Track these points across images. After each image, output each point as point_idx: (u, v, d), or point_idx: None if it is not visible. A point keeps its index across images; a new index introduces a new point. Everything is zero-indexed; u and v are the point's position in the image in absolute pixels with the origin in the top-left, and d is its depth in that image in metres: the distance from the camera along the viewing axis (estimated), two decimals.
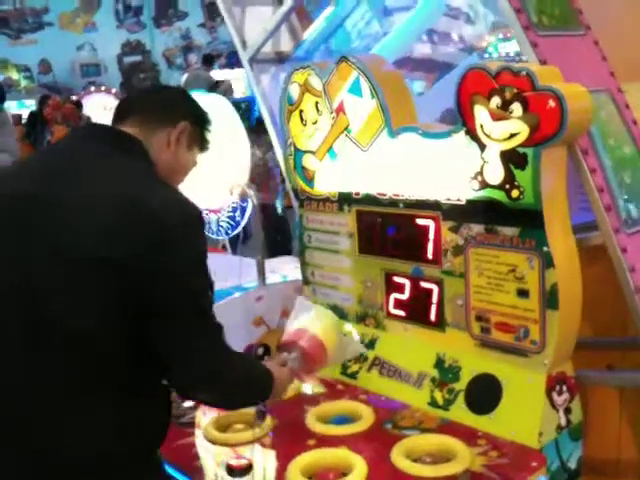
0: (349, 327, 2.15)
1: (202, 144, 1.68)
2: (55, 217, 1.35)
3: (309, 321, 1.91)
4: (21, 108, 10.63)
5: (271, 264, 3.45)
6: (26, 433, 1.33)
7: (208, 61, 10.77)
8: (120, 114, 1.58)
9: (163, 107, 1.60)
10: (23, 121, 9.46)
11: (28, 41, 12.85)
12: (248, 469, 1.69)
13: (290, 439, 1.82)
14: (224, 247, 4.30)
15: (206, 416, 1.94)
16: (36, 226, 1.35)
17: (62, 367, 1.32)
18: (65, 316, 1.31)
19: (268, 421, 1.88)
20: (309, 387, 2.00)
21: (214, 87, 9.62)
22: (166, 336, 1.37)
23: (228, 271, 3.46)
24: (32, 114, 9.42)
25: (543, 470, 1.65)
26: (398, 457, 1.66)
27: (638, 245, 1.71)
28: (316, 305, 2.08)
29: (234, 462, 1.71)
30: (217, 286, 3.54)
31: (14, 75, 12.55)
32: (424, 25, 2.46)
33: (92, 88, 10.74)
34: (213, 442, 1.83)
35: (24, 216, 1.37)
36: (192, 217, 1.40)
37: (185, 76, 10.49)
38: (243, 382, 1.53)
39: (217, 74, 10.65)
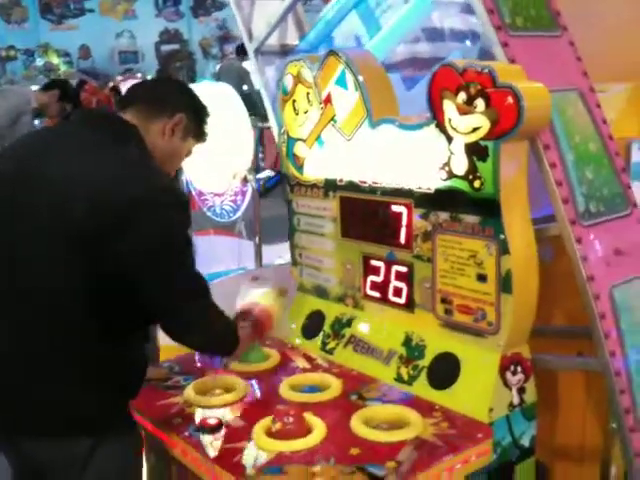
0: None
1: (199, 135, 1.84)
2: (38, 194, 1.52)
3: (260, 297, 2.11)
4: None
5: (278, 249, 3.59)
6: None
7: (241, 51, 10.94)
8: (123, 102, 1.75)
9: (162, 98, 1.75)
10: None
11: (69, 26, 13.18)
12: (218, 428, 1.83)
13: (261, 403, 1.97)
14: (240, 232, 4.46)
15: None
16: (20, 203, 1.53)
17: (25, 315, 1.52)
18: (39, 279, 1.51)
19: (243, 386, 2.03)
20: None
21: (246, 77, 9.79)
22: (148, 297, 1.57)
23: (231, 254, 3.63)
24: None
25: (489, 442, 1.77)
26: (356, 423, 1.79)
27: (594, 237, 1.80)
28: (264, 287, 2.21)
29: (207, 421, 1.86)
30: (219, 268, 3.70)
31: (54, 60, 12.89)
32: (415, 23, 2.56)
33: (127, 75, 11.01)
34: (191, 404, 1.98)
35: (10, 194, 1.56)
36: (167, 197, 1.56)
37: (219, 66, 10.69)
38: (220, 334, 1.77)
39: (250, 65, 10.82)
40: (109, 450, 1.58)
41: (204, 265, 3.95)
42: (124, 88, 9.60)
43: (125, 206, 1.48)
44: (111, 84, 9.93)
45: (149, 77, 10.70)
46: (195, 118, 1.79)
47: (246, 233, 4.57)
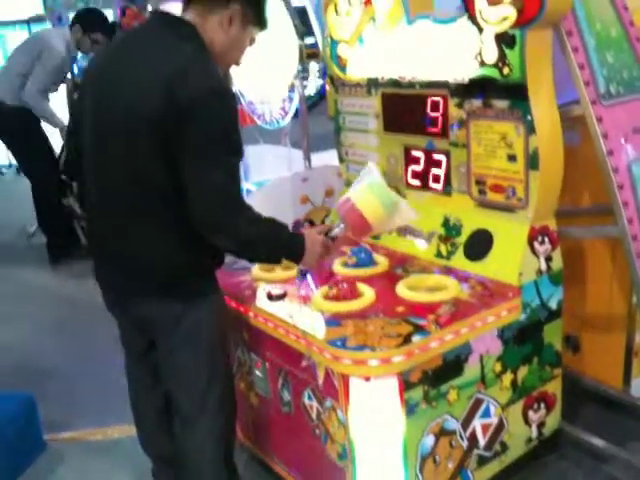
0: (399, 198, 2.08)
1: (259, 23, 1.92)
2: (115, 87, 1.76)
3: (355, 191, 2.00)
4: None
5: (323, 157, 3.81)
6: (107, 242, 1.85)
7: None
8: (184, 2, 1.88)
9: None
10: None
11: None
12: (283, 296, 2.12)
13: (317, 278, 2.24)
14: (286, 144, 4.66)
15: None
16: (104, 93, 1.79)
17: (125, 196, 1.78)
18: (124, 158, 1.75)
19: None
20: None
21: None
22: (187, 180, 1.70)
23: (281, 162, 3.84)
24: (112, 24, 10.01)
25: (518, 300, 2.01)
26: (401, 288, 2.05)
27: (613, 116, 1.97)
28: (372, 173, 2.03)
29: (272, 291, 2.15)
30: (270, 175, 3.92)
31: None
32: None
33: None
34: (257, 280, 2.28)
35: (98, 86, 1.82)
36: (221, 91, 1.72)
37: None
38: (255, 235, 1.79)
39: None
40: (199, 309, 1.87)
41: (255, 172, 4.23)
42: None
43: (186, 99, 1.66)
44: (149, 7, 10.03)
45: None
46: (251, 5, 1.87)
47: (292, 143, 4.79)
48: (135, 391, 2.18)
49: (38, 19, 8.41)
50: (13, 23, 9.17)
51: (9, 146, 4.91)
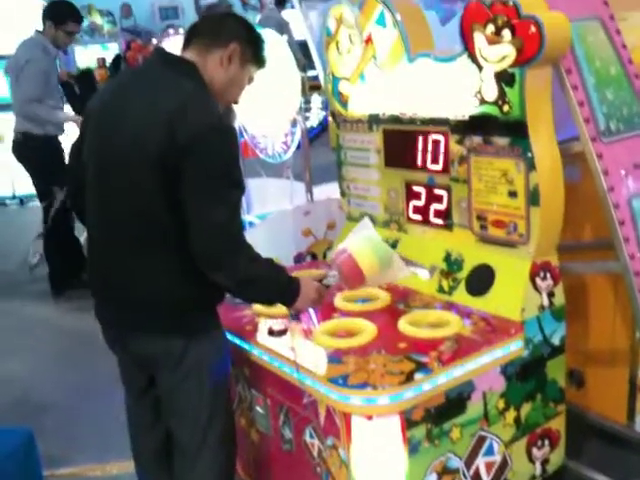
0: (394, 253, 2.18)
1: (257, 61, 1.96)
2: (119, 122, 1.78)
3: (352, 242, 2.06)
4: (105, 50, 11.39)
5: (325, 190, 3.82)
6: (109, 276, 1.85)
7: (280, 2, 10.99)
8: (185, 41, 1.94)
9: (216, 31, 1.90)
10: (107, 64, 10.21)
11: None
12: (284, 332, 2.11)
13: (319, 312, 2.23)
14: (288, 177, 4.67)
15: None
16: (108, 127, 1.82)
17: (128, 228, 1.79)
18: (128, 192, 1.77)
19: None
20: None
21: (285, 27, 9.88)
22: (189, 216, 1.71)
23: (283, 195, 3.85)
24: (117, 57, 10.19)
25: (520, 336, 2.00)
26: (403, 324, 2.05)
27: (613, 153, 1.98)
28: (368, 228, 2.13)
29: (274, 327, 2.14)
30: (272, 208, 3.91)
31: (98, 20, 13.13)
32: None
33: (170, 31, 11.19)
34: (259, 314, 2.27)
35: (102, 120, 1.85)
36: (221, 128, 1.74)
37: (258, 16, 10.78)
38: (254, 275, 1.79)
39: (289, 14, 10.86)
40: (202, 346, 1.87)
41: (258, 205, 4.24)
42: (167, 45, 9.87)
43: (186, 135, 1.68)
44: (154, 40, 10.19)
45: None
46: (249, 45, 1.92)
47: (294, 176, 4.80)
48: (135, 428, 2.16)
49: None
50: None
51: (30, 172, 4.87)
